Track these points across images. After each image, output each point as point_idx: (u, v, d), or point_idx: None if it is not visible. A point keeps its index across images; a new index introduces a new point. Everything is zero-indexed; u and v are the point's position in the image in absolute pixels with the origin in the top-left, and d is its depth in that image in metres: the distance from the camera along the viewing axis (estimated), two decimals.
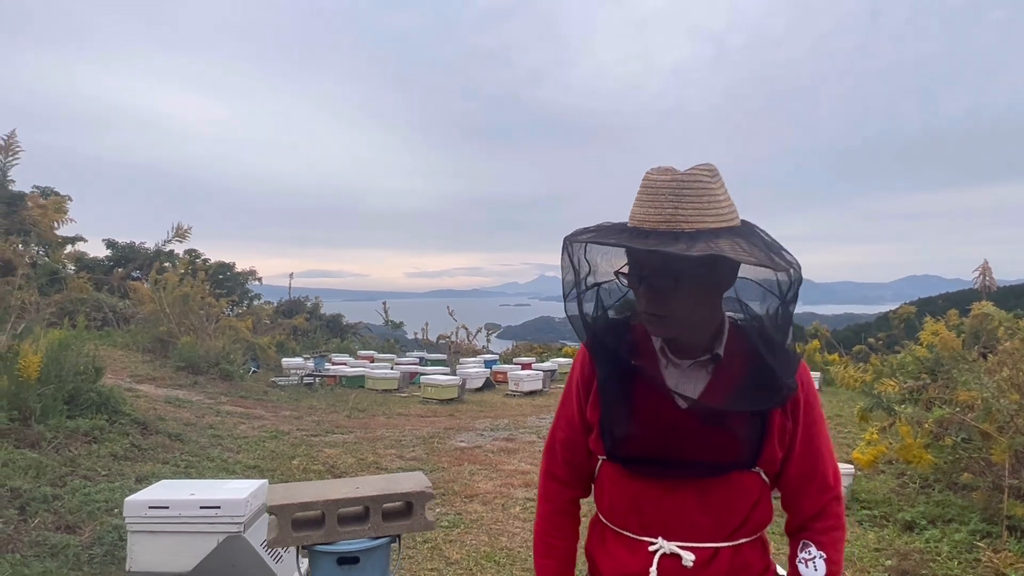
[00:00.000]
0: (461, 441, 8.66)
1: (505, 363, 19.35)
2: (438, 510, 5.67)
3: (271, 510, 2.00)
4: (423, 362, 18.50)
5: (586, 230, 1.30)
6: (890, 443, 5.78)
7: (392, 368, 15.47)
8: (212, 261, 27.36)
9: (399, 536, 2.18)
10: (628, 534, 1.36)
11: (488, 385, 15.05)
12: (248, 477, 6.09)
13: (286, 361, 15.86)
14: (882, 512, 5.61)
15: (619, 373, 1.35)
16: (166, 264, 23.80)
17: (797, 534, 1.40)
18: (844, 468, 6.13)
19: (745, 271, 1.31)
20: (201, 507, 3.41)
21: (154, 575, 3.40)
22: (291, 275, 24.57)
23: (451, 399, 12.44)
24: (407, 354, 21.07)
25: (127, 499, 3.48)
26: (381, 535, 2.10)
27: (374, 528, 2.06)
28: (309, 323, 24.84)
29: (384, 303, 25.50)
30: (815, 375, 15.80)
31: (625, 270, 1.31)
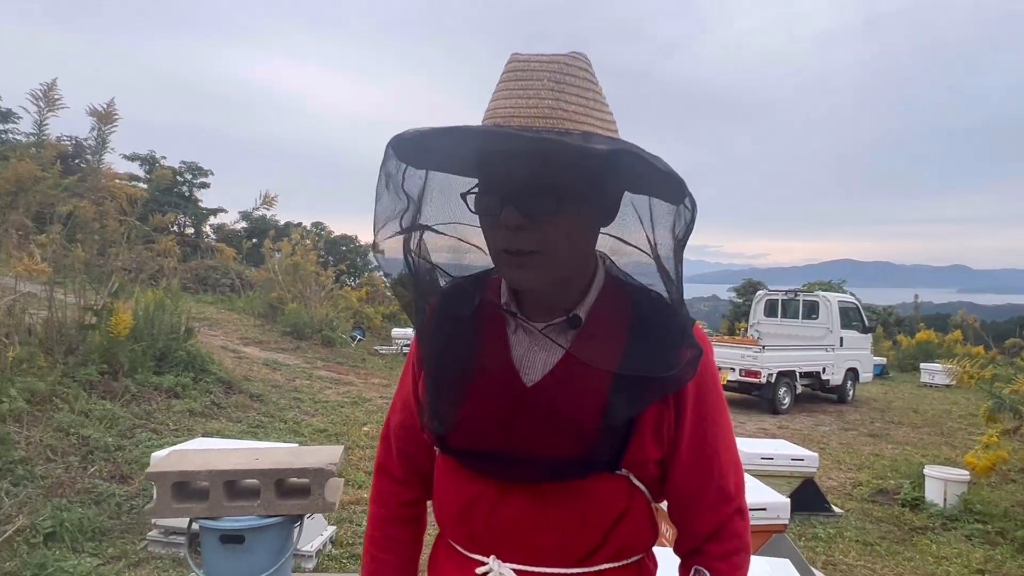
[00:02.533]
0: None
1: None
2: None
3: (149, 476, 1.85)
4: None
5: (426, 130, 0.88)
6: (1014, 448, 4.96)
7: None
8: (335, 234, 28.72)
9: (302, 517, 1.96)
10: (460, 549, 1.04)
11: None
12: (314, 441, 6.18)
13: (396, 331, 16.26)
14: (998, 528, 4.83)
15: (449, 337, 1.01)
16: (295, 235, 25.20)
17: (688, 558, 1.05)
18: (957, 474, 5.36)
19: (631, 203, 0.97)
20: None
21: (172, 527, 3.42)
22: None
23: None
24: None
25: (154, 454, 3.53)
26: (273, 513, 1.88)
27: (264, 505, 1.84)
28: None
29: None
30: (878, 360, 14.03)
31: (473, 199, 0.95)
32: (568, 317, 0.97)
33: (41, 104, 5.52)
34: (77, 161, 12.23)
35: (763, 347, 10.20)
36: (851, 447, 8.01)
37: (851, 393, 11.70)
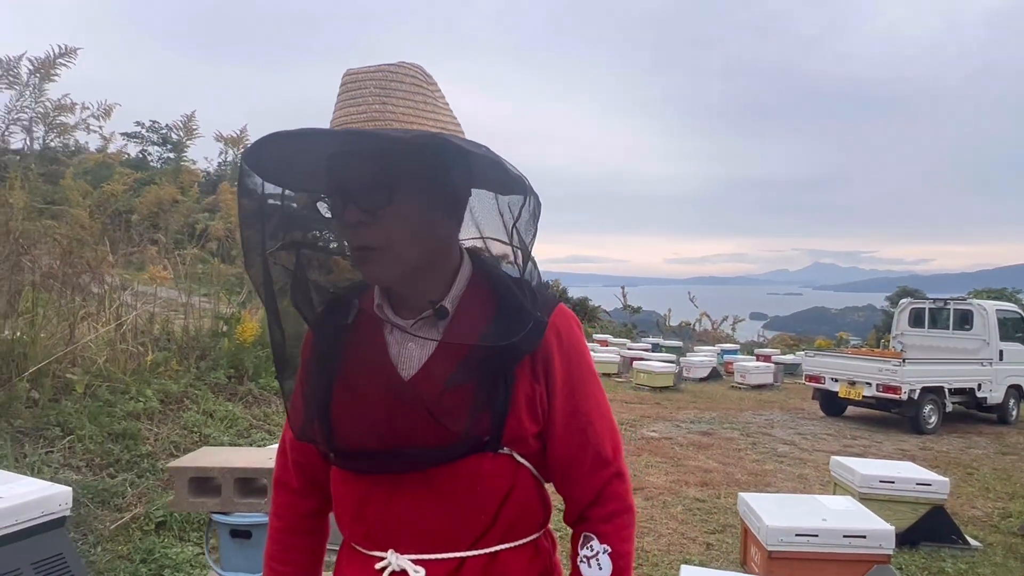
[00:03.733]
0: (652, 431, 8.20)
1: (748, 353, 18.09)
2: None
3: (169, 471, 1.95)
4: (656, 348, 18.02)
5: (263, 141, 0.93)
6: None
7: (617, 351, 15.27)
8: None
9: None
10: (360, 549, 1.07)
11: (715, 375, 14.16)
12: None
13: None
14: None
15: (329, 346, 1.05)
16: None
17: (577, 526, 1.11)
18: None
19: (480, 196, 1.03)
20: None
21: None
22: (532, 259, 25.36)
23: (665, 387, 11.89)
24: (642, 339, 20.73)
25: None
26: None
27: (270, 503, 1.89)
28: None
29: (623, 288, 25.33)
30: None
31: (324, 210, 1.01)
32: (435, 309, 1.01)
33: (181, 133, 6.09)
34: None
35: (904, 360, 9.34)
36: (1006, 473, 7.15)
37: (1015, 413, 10.44)
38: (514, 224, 1.01)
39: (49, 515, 2.60)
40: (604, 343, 18.52)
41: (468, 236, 1.08)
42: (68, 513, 2.68)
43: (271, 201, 1.02)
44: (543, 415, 1.04)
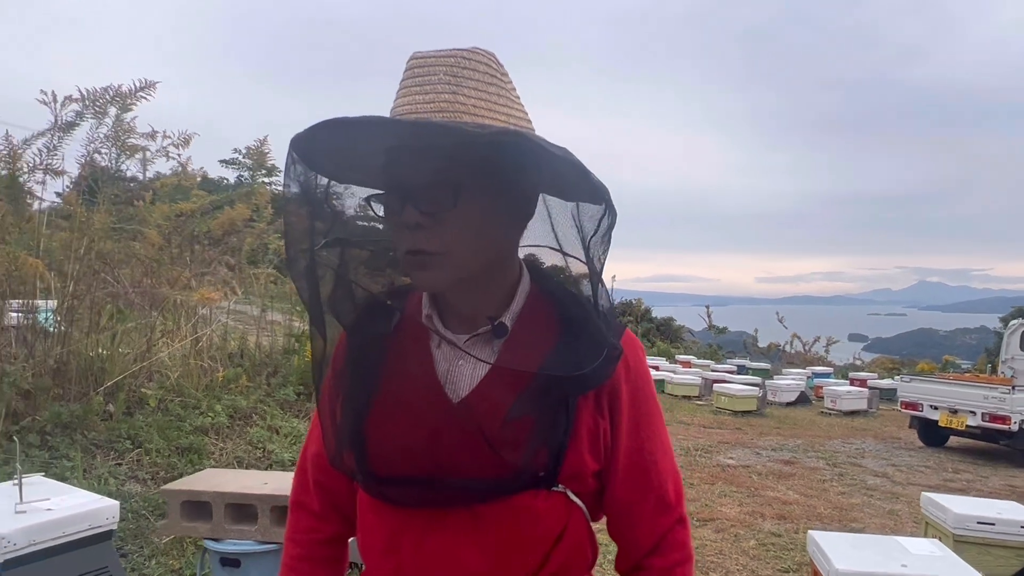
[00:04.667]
0: (730, 458, 7.80)
1: (842, 377, 17.15)
2: None
3: (162, 493, 1.91)
4: (742, 370, 17.34)
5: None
6: None
7: (697, 373, 14.77)
8: (546, 264, 29.53)
9: None
10: None
11: (803, 400, 13.43)
12: None
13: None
14: None
15: (366, 357, 0.96)
16: None
17: (633, 574, 1.02)
18: None
19: (551, 206, 0.94)
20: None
21: None
22: (613, 277, 25.05)
23: (748, 411, 11.36)
24: (727, 360, 20.01)
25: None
26: (269, 540, 1.84)
27: (261, 531, 1.81)
28: (638, 326, 25.12)
29: (707, 307, 24.56)
30: None
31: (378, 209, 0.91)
32: (493, 326, 0.93)
33: (254, 158, 6.31)
34: None
35: (1013, 387, 8.54)
36: None
37: None
38: (590, 238, 0.91)
39: (96, 528, 2.65)
40: (687, 364, 17.95)
41: (533, 243, 0.98)
42: (115, 527, 2.73)
43: (319, 193, 0.93)
44: (605, 452, 0.96)
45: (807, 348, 24.48)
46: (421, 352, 0.95)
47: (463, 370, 0.93)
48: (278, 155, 6.97)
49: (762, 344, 25.64)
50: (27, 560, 2.46)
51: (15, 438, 3.29)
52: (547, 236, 0.95)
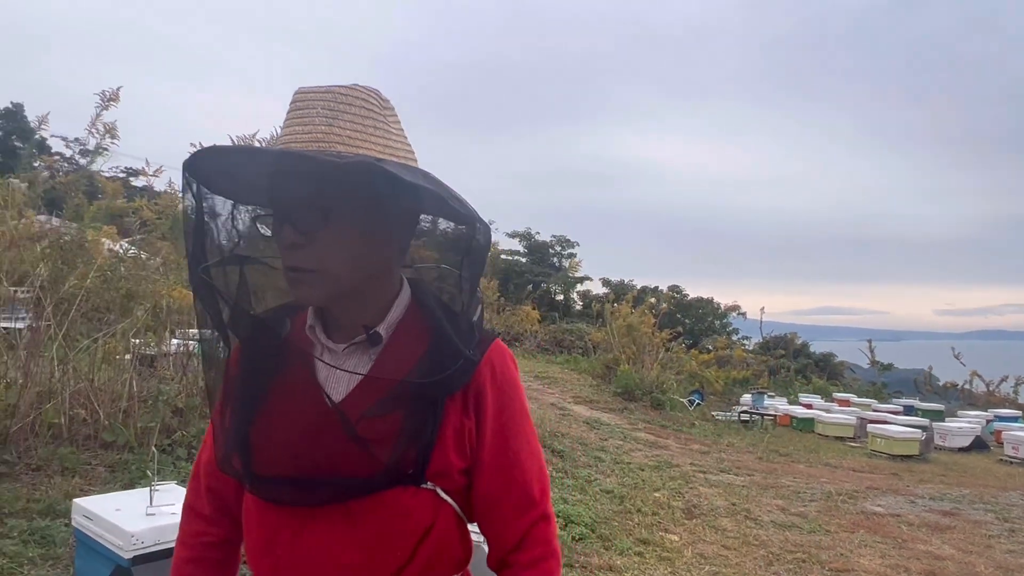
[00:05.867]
0: (878, 505, 7.12)
1: None
2: (776, 569, 4.79)
3: None
4: (909, 411, 15.81)
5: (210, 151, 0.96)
6: None
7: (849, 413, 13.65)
8: (690, 296, 28.60)
9: None
10: None
11: (979, 445, 12.01)
12: (596, 500, 6.17)
13: (745, 398, 15.46)
14: None
15: (256, 365, 1.03)
16: (651, 299, 25.91)
17: (500, 572, 1.07)
18: None
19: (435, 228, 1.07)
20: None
21: None
22: (762, 309, 23.84)
23: (908, 455, 10.31)
24: (893, 400, 18.31)
25: None
26: None
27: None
28: (795, 361, 23.68)
29: (870, 342, 22.66)
30: None
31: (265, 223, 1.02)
32: (368, 335, 1.00)
33: None
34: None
35: None
36: None
37: None
38: (463, 257, 1.01)
39: None
40: (845, 403, 16.62)
41: (416, 263, 1.09)
42: None
43: (221, 213, 1.03)
44: (471, 450, 1.02)
45: (992, 388, 21.83)
46: (305, 361, 1.02)
47: (341, 376, 1.00)
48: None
49: (940, 382, 23.20)
50: (154, 557, 2.77)
51: (154, 449, 3.70)
52: (435, 255, 1.08)
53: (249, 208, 1.04)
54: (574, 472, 6.90)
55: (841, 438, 12.23)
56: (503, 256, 29.02)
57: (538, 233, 29.96)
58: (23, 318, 5.26)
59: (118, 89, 6.23)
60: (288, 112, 0.95)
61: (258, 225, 1.02)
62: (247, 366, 1.04)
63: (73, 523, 2.93)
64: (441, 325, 1.00)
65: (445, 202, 0.93)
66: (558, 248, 29.82)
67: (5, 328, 5.11)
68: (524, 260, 29.38)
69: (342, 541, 0.96)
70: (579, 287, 29.92)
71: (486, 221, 1.01)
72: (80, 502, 2.91)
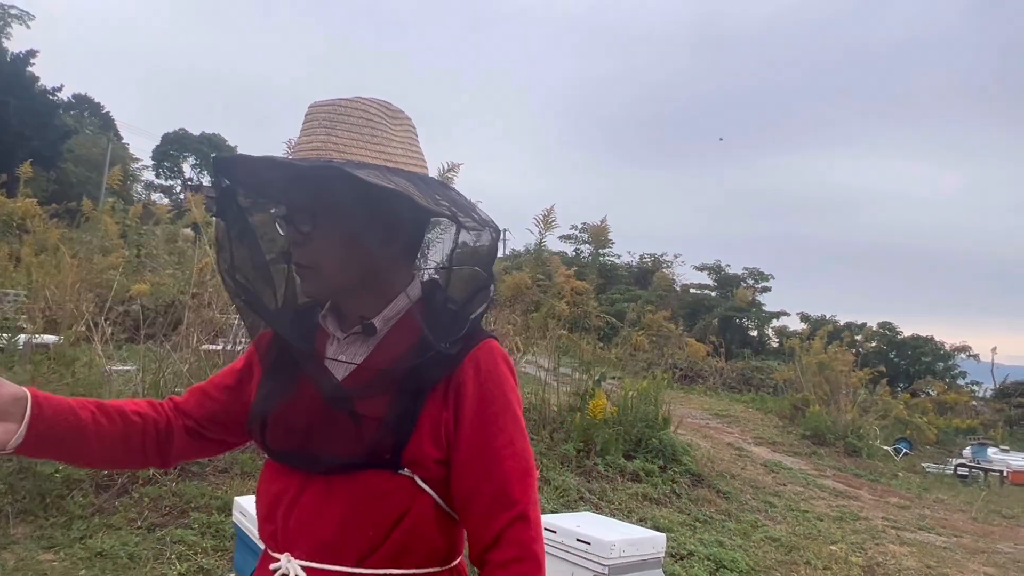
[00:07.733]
0: None
1: None
2: None
3: None
4: None
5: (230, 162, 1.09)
6: None
7: None
8: (905, 334, 25.68)
9: None
10: (268, 551, 1.11)
11: None
12: (759, 547, 5.71)
13: (966, 451, 13.57)
14: None
15: (284, 350, 1.13)
16: (856, 336, 23.64)
17: (479, 569, 1.06)
18: None
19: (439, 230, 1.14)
20: (577, 539, 3.59)
21: None
22: (994, 349, 20.87)
23: None
24: None
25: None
26: None
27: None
28: None
29: None
30: None
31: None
32: (363, 325, 1.08)
33: (541, 226, 6.91)
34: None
35: None
36: None
37: None
38: (449, 254, 1.08)
39: (657, 553, 3.18)
40: None
41: (432, 265, 1.16)
42: (662, 554, 3.20)
43: (264, 214, 1.14)
44: (447, 442, 1.04)
45: None
46: (320, 346, 1.12)
47: (340, 363, 1.09)
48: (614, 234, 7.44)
49: None
50: (625, 569, 3.01)
51: None
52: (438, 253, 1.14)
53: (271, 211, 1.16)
54: (738, 516, 6.45)
55: None
56: (692, 291, 28.16)
57: (728, 266, 28.78)
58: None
59: None
60: (302, 124, 1.06)
61: (279, 225, 1.12)
62: (284, 355, 1.13)
63: (233, 519, 3.26)
64: (426, 319, 1.05)
65: (416, 203, 0.98)
66: (750, 281, 28.35)
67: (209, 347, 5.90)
68: (713, 294, 28.28)
69: (324, 515, 1.02)
70: (774, 322, 28.18)
71: (497, 226, 1.09)
72: (239, 500, 3.23)
